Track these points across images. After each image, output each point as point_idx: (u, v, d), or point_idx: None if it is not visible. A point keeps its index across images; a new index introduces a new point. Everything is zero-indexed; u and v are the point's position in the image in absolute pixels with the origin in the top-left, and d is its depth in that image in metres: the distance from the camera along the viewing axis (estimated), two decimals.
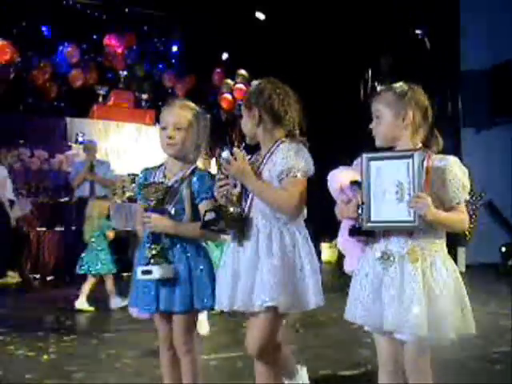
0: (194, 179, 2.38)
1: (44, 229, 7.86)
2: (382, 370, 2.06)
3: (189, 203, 2.36)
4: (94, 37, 10.46)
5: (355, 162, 2.12)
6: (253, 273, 2.16)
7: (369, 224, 1.99)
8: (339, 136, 8.57)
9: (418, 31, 9.68)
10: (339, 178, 2.12)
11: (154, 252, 2.30)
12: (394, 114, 2.05)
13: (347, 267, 2.13)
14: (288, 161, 2.19)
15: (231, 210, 2.20)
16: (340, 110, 8.82)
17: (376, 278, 1.97)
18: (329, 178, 2.17)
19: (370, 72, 10.02)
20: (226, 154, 2.22)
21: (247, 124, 2.33)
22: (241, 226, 2.21)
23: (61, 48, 9.83)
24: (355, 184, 2.02)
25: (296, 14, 9.25)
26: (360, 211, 1.98)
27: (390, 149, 2.10)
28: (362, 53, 9.35)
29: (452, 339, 1.91)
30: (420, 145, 2.07)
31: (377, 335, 2.04)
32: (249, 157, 2.32)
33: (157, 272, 2.27)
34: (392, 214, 1.96)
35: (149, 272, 2.28)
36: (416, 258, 1.93)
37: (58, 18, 9.93)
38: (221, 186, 2.24)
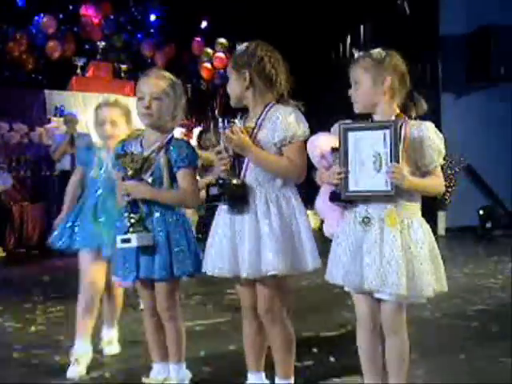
0: (171, 148, 2.42)
1: (26, 203, 7.86)
2: (360, 328, 2.15)
3: (166, 172, 2.40)
4: (71, 7, 10.26)
5: (333, 129, 2.16)
6: (255, 240, 2.19)
7: (347, 194, 2.06)
8: (317, 101, 8.60)
9: None
10: (319, 144, 2.16)
11: (132, 221, 2.36)
12: (372, 79, 2.09)
13: (327, 231, 2.20)
14: (289, 127, 2.22)
15: (234, 181, 2.23)
16: (319, 76, 8.82)
17: (356, 240, 2.05)
18: (308, 144, 2.22)
19: (349, 38, 10.02)
20: (223, 124, 2.24)
21: (236, 87, 2.32)
22: (244, 196, 2.23)
23: (37, 19, 9.63)
24: (336, 151, 2.07)
25: None
26: (339, 179, 2.04)
27: (368, 116, 2.15)
28: (341, 19, 9.33)
29: (429, 297, 2.00)
30: (397, 111, 2.11)
31: (356, 295, 2.12)
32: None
33: (135, 240, 2.33)
34: (370, 184, 2.03)
35: (128, 240, 2.34)
36: (394, 221, 2.01)
37: None
38: (221, 159, 2.26)
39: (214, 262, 2.27)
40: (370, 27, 9.83)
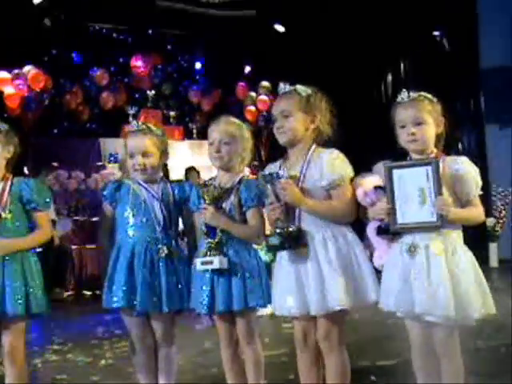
0: (242, 187, 2.63)
1: (85, 246, 8.24)
2: (416, 352, 2.29)
3: (237, 210, 2.62)
4: (121, 59, 10.85)
5: (375, 168, 2.36)
6: (319, 279, 2.34)
7: (396, 227, 2.25)
8: (359, 139, 8.76)
9: (436, 33, 9.85)
10: (362, 184, 2.36)
11: (211, 245, 2.57)
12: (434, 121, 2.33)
13: (376, 262, 2.38)
14: (336, 170, 2.38)
15: (290, 229, 2.39)
16: (360, 114, 9.01)
17: (404, 268, 2.22)
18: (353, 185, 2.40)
19: (390, 76, 10.22)
20: (269, 170, 2.46)
21: (300, 127, 2.44)
22: (303, 240, 2.38)
23: (90, 72, 10.22)
24: (379, 189, 2.26)
25: (314, 23, 9.51)
26: (387, 214, 2.22)
27: (407, 155, 2.34)
28: (381, 57, 9.56)
29: (476, 319, 2.14)
30: (435, 150, 2.30)
31: (408, 320, 2.28)
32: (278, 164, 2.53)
33: (217, 262, 2.53)
34: (416, 217, 2.21)
35: (209, 262, 2.54)
36: (439, 248, 2.18)
37: (86, 43, 10.35)
38: (273, 210, 2.42)
39: (282, 303, 2.43)
40: (410, 64, 10.02)
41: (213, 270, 2.57)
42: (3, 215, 2.60)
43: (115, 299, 2.65)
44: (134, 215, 2.72)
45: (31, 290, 2.60)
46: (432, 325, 2.21)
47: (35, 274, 2.66)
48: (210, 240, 2.60)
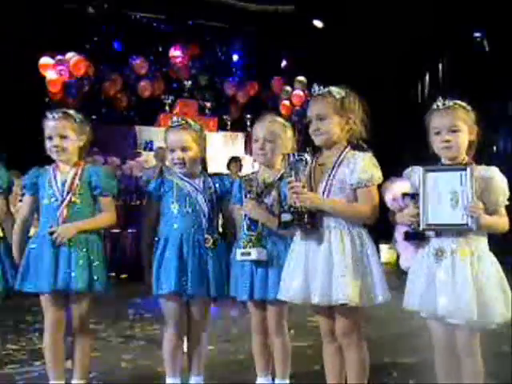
0: (282, 184, 2.75)
1: (118, 230, 8.45)
2: (438, 352, 2.38)
3: (277, 204, 2.74)
4: (160, 49, 11.03)
5: (405, 172, 2.45)
6: (328, 271, 2.42)
7: (426, 226, 2.33)
8: (392, 140, 8.76)
9: (476, 33, 9.77)
10: (391, 189, 2.44)
11: (251, 238, 2.72)
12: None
13: (403, 264, 2.47)
14: (366, 171, 2.45)
15: (303, 209, 2.47)
16: (396, 114, 9.00)
17: (430, 271, 2.31)
18: (382, 188, 2.49)
19: (427, 76, 10.18)
20: (292, 159, 2.49)
21: (337, 129, 2.51)
22: (314, 223, 2.47)
23: (130, 61, 10.42)
24: (406, 196, 2.35)
25: (352, 20, 9.51)
26: (415, 219, 2.32)
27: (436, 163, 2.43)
28: (419, 57, 9.53)
29: (498, 323, 2.22)
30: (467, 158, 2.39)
31: (431, 321, 2.37)
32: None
33: (255, 254, 2.69)
34: (447, 218, 2.30)
35: (248, 254, 2.69)
36: (465, 253, 2.26)
37: (127, 32, 10.56)
38: (292, 188, 2.49)
39: (288, 289, 2.53)
40: (448, 65, 9.96)
41: (251, 261, 2.71)
42: (73, 199, 2.80)
43: (164, 286, 2.78)
44: (179, 208, 2.85)
45: (95, 269, 2.79)
46: (454, 327, 2.29)
47: (99, 255, 2.83)
48: (250, 232, 2.74)
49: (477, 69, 8.79)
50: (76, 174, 2.85)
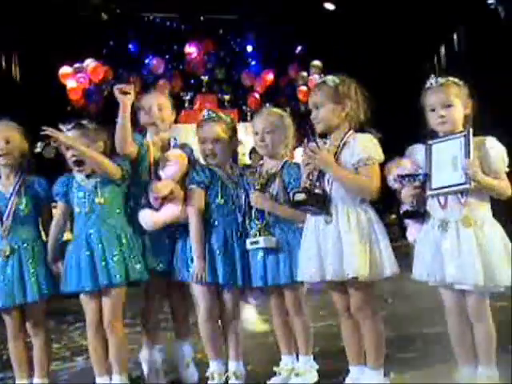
0: (285, 172, 2.88)
1: None
2: (449, 317, 2.48)
3: (283, 193, 2.86)
4: (175, 47, 11.18)
5: (408, 151, 2.55)
6: (338, 248, 2.56)
7: (431, 191, 2.46)
8: (406, 115, 8.72)
9: (490, 1, 9.64)
10: (392, 170, 2.56)
11: (259, 227, 2.85)
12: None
13: (410, 237, 2.58)
14: (366, 150, 2.57)
15: (316, 191, 2.62)
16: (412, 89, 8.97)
17: (436, 241, 2.41)
18: (385, 169, 2.59)
19: (443, 48, 10.10)
20: (312, 144, 2.65)
21: (333, 117, 2.63)
22: (325, 205, 2.61)
23: (147, 61, 10.60)
24: (402, 177, 2.47)
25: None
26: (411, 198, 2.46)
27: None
28: (434, 29, 9.45)
29: (506, 286, 2.31)
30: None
31: (441, 288, 2.46)
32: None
33: (262, 242, 2.82)
34: (448, 181, 2.41)
35: (256, 242, 2.83)
36: (469, 222, 2.35)
37: (142, 34, 10.73)
38: (306, 165, 2.65)
39: (304, 269, 2.66)
40: (464, 36, 9.86)
41: (261, 248, 2.84)
42: (97, 200, 2.96)
43: (218, 276, 2.92)
44: (223, 200, 2.99)
45: (129, 259, 2.92)
46: (464, 292, 2.39)
47: (131, 244, 2.97)
48: (258, 222, 2.87)
49: (493, 38, 8.69)
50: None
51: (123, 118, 2.94)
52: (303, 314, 2.94)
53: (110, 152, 3.06)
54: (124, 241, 2.95)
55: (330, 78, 2.67)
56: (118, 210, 3.01)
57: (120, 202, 3.03)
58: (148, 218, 2.95)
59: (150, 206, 2.96)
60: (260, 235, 2.85)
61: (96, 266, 2.89)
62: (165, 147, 3.15)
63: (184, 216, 2.96)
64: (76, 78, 9.43)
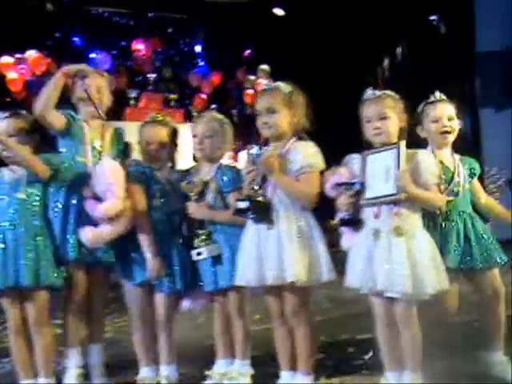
0: (219, 175, 2.90)
1: None
2: (379, 324, 2.55)
3: (219, 195, 2.87)
4: (123, 43, 11.01)
5: (344, 160, 2.62)
6: (278, 253, 2.60)
7: (363, 201, 2.54)
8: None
9: (432, 17, 9.96)
10: (330, 179, 2.63)
11: (202, 237, 2.86)
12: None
13: (344, 245, 2.64)
14: (308, 158, 2.63)
15: (259, 198, 2.65)
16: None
17: (368, 250, 2.48)
18: (324, 178, 2.65)
19: (387, 61, 10.37)
20: (255, 150, 2.69)
21: (284, 122, 2.68)
22: (268, 213, 2.64)
23: (92, 56, 10.39)
24: (339, 185, 2.55)
25: (312, 7, 9.62)
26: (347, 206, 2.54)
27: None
28: (378, 41, 9.69)
29: (430, 295, 2.39)
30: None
31: (372, 296, 2.53)
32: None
33: (206, 253, 2.84)
34: (381, 191, 2.49)
35: (200, 254, 2.85)
36: (400, 233, 2.43)
37: (88, 27, 10.51)
38: (249, 172, 2.68)
39: (243, 273, 2.69)
40: (407, 49, 10.15)
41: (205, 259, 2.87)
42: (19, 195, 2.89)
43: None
44: (160, 202, 2.99)
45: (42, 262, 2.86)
46: (393, 300, 2.46)
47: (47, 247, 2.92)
48: (200, 231, 2.88)
49: (433, 51, 8.99)
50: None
51: (51, 83, 2.94)
52: (245, 317, 2.96)
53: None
54: (40, 242, 2.86)
55: (283, 85, 2.72)
56: (39, 209, 2.92)
57: (42, 200, 2.94)
58: (89, 236, 2.86)
59: (88, 222, 2.87)
60: (204, 244, 2.86)
61: (7, 264, 2.79)
62: (103, 135, 3.07)
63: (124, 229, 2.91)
64: (17, 69, 9.13)
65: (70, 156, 3.00)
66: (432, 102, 2.85)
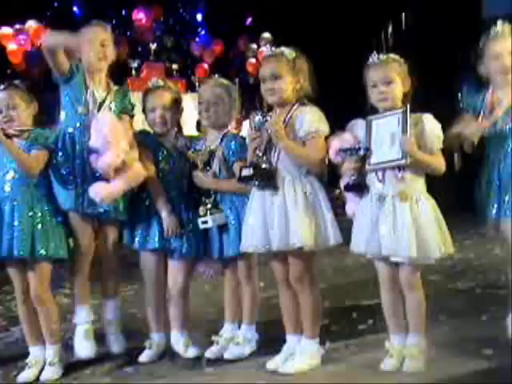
0: (224, 145, 2.89)
1: None
2: (383, 289, 2.57)
3: (224, 164, 2.87)
4: (123, 12, 10.87)
5: (349, 125, 2.60)
6: (284, 218, 2.60)
7: (369, 167, 2.51)
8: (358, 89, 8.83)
9: None
10: (334, 144, 2.60)
11: (208, 206, 2.86)
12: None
13: (349, 211, 2.63)
14: (313, 124, 2.61)
15: (263, 165, 2.64)
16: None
17: (373, 215, 2.48)
18: (328, 143, 2.63)
19: (390, 27, 10.22)
20: (258, 117, 2.66)
21: (288, 88, 2.66)
22: (272, 180, 2.64)
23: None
24: (342, 152, 2.53)
25: None
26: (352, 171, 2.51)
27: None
28: (382, 7, 9.55)
29: (436, 259, 2.40)
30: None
31: (377, 261, 2.54)
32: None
33: (211, 222, 2.83)
34: (386, 156, 2.48)
35: (205, 222, 2.85)
36: (405, 197, 2.42)
37: None
38: (253, 139, 2.67)
39: (249, 240, 2.69)
40: (411, 15, 10.00)
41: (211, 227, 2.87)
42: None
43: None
44: (168, 167, 3.02)
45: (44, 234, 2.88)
46: (398, 265, 2.47)
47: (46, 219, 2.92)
48: (206, 200, 2.87)
49: (440, 17, 8.85)
50: None
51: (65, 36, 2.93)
52: (254, 283, 2.98)
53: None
54: (39, 215, 2.86)
55: (287, 51, 2.69)
56: (35, 181, 2.90)
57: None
58: (102, 191, 2.84)
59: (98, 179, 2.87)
60: (210, 213, 2.86)
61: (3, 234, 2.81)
62: (107, 89, 3.07)
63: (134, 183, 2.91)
64: (17, 40, 9.05)
65: (70, 103, 3.02)
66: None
